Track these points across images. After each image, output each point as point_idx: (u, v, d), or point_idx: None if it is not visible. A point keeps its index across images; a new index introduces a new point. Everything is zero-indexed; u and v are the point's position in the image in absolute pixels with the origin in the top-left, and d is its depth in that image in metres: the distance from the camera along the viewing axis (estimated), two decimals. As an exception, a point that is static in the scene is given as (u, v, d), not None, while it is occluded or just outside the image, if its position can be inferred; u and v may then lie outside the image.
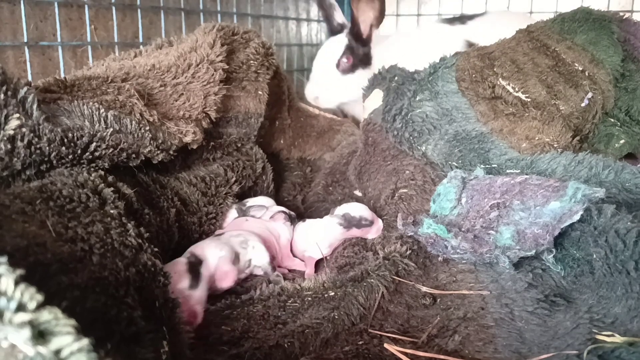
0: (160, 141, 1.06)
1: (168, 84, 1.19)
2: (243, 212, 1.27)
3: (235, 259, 1.06)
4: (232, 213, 1.28)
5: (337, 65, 2.04)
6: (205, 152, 1.28)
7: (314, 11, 2.93)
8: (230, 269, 1.04)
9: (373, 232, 1.24)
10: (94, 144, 0.93)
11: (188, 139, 1.14)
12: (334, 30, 2.15)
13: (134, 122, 1.02)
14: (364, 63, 2.07)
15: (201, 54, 1.25)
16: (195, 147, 1.18)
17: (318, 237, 1.21)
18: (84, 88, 1.07)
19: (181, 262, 0.97)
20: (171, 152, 1.10)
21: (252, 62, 1.40)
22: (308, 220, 1.28)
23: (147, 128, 1.04)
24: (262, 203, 1.31)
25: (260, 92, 1.41)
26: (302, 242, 1.23)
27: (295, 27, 2.79)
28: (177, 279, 0.92)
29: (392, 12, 3.03)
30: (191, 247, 1.05)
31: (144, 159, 1.03)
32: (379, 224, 1.25)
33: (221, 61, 1.27)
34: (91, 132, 0.93)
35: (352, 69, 2.04)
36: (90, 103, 0.99)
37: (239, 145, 1.36)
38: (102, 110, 0.99)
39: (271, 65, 1.46)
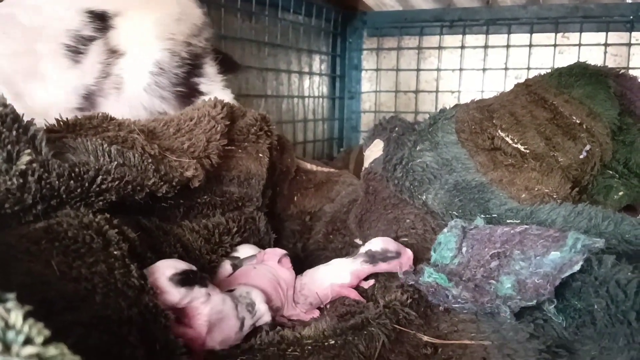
0: (162, 173, 1.08)
1: (171, 126, 1.23)
2: (236, 267, 1.21)
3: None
4: (226, 268, 1.20)
5: None
6: (206, 209, 1.29)
7: (316, 65, 3.03)
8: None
9: (404, 265, 1.15)
10: (100, 177, 0.95)
11: (189, 173, 1.15)
12: None
13: (136, 155, 1.05)
14: None
15: (203, 111, 1.29)
16: (196, 184, 1.18)
17: (337, 277, 1.16)
18: (85, 127, 1.10)
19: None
20: (174, 185, 1.11)
21: (250, 127, 1.43)
22: (316, 267, 1.22)
23: (150, 161, 1.07)
24: (251, 253, 1.25)
25: (260, 155, 1.42)
26: (320, 282, 1.17)
27: (298, 80, 2.86)
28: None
29: (393, 66, 3.11)
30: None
31: (148, 191, 1.05)
32: (408, 253, 1.17)
33: (222, 118, 1.30)
34: (96, 167, 0.95)
35: None
36: (94, 139, 1.03)
37: (240, 204, 1.36)
38: (105, 145, 1.02)
39: (271, 132, 1.48)
